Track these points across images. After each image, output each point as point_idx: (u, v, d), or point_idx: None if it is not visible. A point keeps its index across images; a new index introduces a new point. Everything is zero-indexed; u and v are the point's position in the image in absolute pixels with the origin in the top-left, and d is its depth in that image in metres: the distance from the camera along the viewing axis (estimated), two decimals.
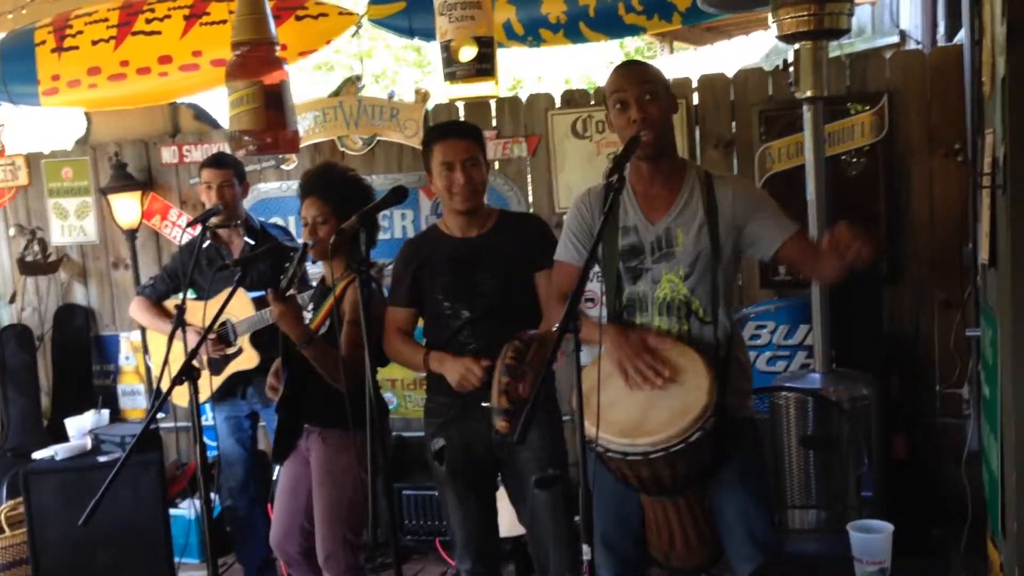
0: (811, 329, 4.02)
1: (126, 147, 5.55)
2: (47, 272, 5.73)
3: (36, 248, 5.73)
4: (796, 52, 3.62)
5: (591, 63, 13.50)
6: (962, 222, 4.15)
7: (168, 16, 4.90)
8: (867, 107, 4.23)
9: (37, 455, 4.48)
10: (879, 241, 2.54)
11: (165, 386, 2.92)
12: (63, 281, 5.77)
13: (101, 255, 5.71)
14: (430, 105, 4.98)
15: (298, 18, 4.77)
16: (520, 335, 2.90)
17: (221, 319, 3.20)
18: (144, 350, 4.74)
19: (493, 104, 4.89)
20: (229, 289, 3.23)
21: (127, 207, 5.34)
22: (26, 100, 5.35)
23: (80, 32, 5.06)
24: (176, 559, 4.27)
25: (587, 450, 2.29)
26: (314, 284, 3.92)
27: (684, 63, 9.21)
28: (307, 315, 3.50)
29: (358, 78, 5.14)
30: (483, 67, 3.54)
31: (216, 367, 4.21)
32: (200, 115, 5.62)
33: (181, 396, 3.15)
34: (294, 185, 5.05)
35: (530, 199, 4.89)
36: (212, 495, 4.17)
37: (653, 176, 2.71)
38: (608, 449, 2.47)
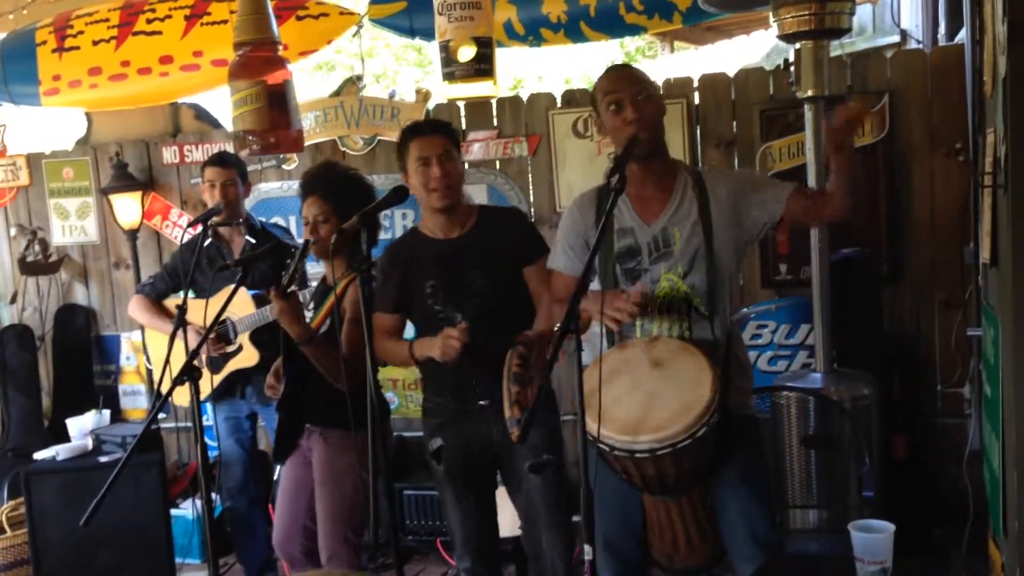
0: (812, 329, 4.02)
1: (127, 147, 5.55)
2: (48, 272, 5.73)
3: (37, 248, 5.72)
4: (797, 51, 3.62)
5: (592, 63, 13.48)
6: (963, 221, 4.15)
7: (169, 16, 4.90)
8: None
9: (38, 455, 4.48)
10: (866, 104, 2.56)
11: (166, 386, 2.91)
12: (64, 281, 5.76)
13: (102, 255, 5.71)
14: (431, 105, 4.98)
15: (299, 18, 4.77)
16: (521, 338, 2.89)
17: (221, 317, 3.20)
18: (143, 350, 4.74)
19: (494, 103, 4.89)
20: (229, 288, 3.23)
21: (128, 207, 5.34)
22: (27, 100, 5.35)
23: (81, 32, 5.06)
24: (177, 559, 4.28)
25: (588, 450, 2.29)
26: (314, 283, 3.92)
27: (685, 62, 9.21)
28: (308, 314, 3.50)
29: (359, 78, 5.14)
30: (482, 67, 3.53)
31: (215, 365, 4.21)
32: (201, 115, 5.62)
33: (182, 396, 3.14)
34: (295, 185, 5.04)
35: (531, 199, 4.89)
36: (213, 495, 4.20)
37: (646, 177, 2.72)
38: (614, 447, 2.47)
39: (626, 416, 2.48)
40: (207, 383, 3.99)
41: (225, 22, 4.69)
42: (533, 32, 4.73)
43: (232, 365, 4.23)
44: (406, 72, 14.99)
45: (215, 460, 4.37)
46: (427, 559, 4.69)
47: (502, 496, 3.33)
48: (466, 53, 3.49)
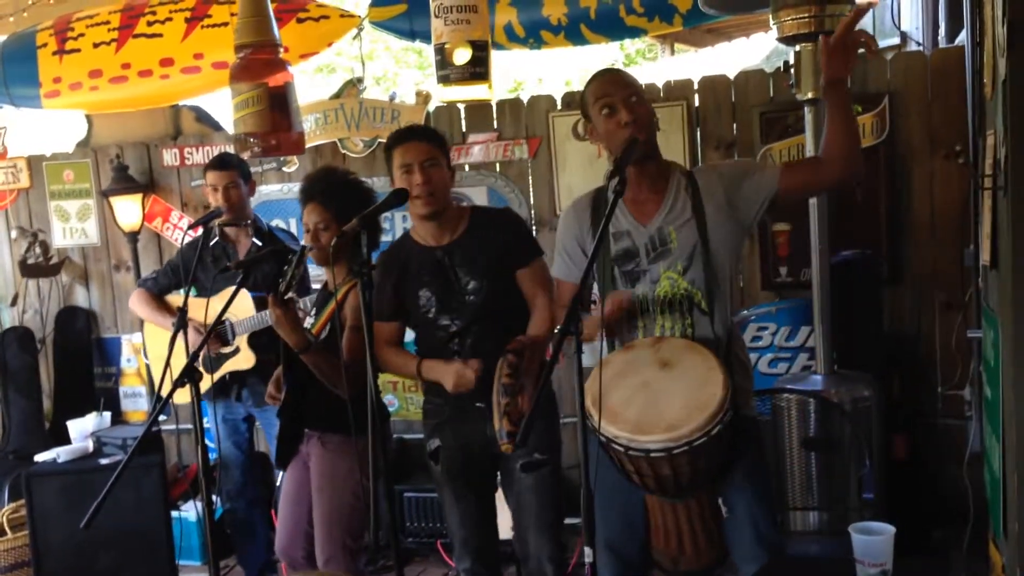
0: (812, 331, 4.02)
1: (127, 149, 5.55)
2: (48, 274, 5.74)
3: (38, 250, 5.73)
4: (797, 54, 3.62)
5: (592, 65, 13.48)
6: (963, 223, 4.15)
7: (169, 19, 4.90)
8: (868, 108, 4.23)
9: (39, 457, 4.49)
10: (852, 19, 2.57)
11: (166, 389, 2.91)
12: (64, 283, 5.77)
13: (102, 257, 5.72)
14: (431, 107, 4.98)
15: (299, 20, 4.77)
16: (512, 346, 2.89)
17: (222, 318, 3.20)
18: (143, 348, 4.74)
19: (494, 106, 4.90)
20: (230, 288, 3.22)
21: (128, 209, 5.34)
22: (28, 102, 5.36)
23: (81, 35, 5.07)
24: (178, 561, 4.27)
25: (588, 451, 2.29)
26: (315, 288, 3.91)
27: (685, 65, 9.22)
28: (309, 320, 3.50)
29: (359, 80, 5.15)
30: (477, 71, 3.54)
31: (211, 365, 4.20)
32: (201, 117, 5.62)
33: (182, 396, 3.15)
34: (295, 187, 5.03)
35: (531, 201, 4.89)
36: (214, 497, 4.20)
37: (640, 180, 2.72)
38: (629, 448, 2.46)
39: (638, 416, 2.47)
40: (205, 383, 3.99)
41: (226, 24, 4.69)
42: (533, 34, 4.74)
43: (228, 366, 4.23)
44: (406, 74, 14.99)
45: (215, 462, 4.37)
46: (427, 561, 4.69)
47: (502, 498, 3.33)
48: (461, 56, 3.50)
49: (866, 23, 6.17)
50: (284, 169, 5.25)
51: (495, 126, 4.91)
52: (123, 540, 4.15)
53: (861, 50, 2.58)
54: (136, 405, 5.68)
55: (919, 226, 4.30)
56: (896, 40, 5.84)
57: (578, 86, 2.96)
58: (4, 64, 5.26)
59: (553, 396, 3.28)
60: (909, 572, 2.31)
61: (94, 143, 5.73)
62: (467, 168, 4.96)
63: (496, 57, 4.24)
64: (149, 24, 4.93)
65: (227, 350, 4.22)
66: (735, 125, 4.55)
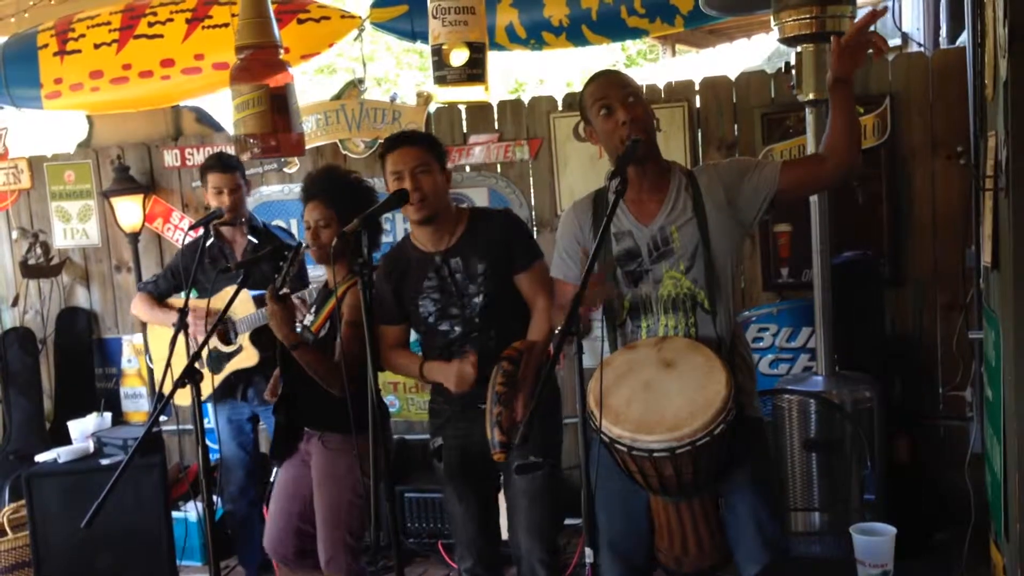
0: (813, 332, 4.02)
1: (128, 150, 5.55)
2: (49, 275, 5.74)
3: (38, 251, 5.73)
4: (798, 55, 3.62)
5: (593, 66, 13.48)
6: (964, 224, 4.15)
7: (170, 20, 4.91)
8: (869, 110, 4.23)
9: (40, 458, 4.48)
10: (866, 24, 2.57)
11: (167, 388, 2.92)
12: (65, 284, 5.77)
13: (103, 258, 5.72)
14: (432, 108, 4.98)
15: (300, 21, 4.77)
16: (508, 353, 2.89)
17: (223, 318, 3.21)
18: (145, 350, 4.74)
19: (495, 107, 4.90)
20: (231, 287, 3.23)
21: (129, 210, 5.35)
22: (29, 103, 5.36)
23: (82, 35, 5.07)
24: (178, 562, 4.27)
25: (590, 451, 2.29)
26: (311, 282, 3.92)
27: (686, 66, 9.22)
28: (309, 317, 3.51)
29: (360, 81, 5.15)
30: (474, 72, 3.53)
31: (215, 365, 4.21)
32: (202, 118, 5.62)
33: (183, 396, 3.15)
34: (296, 188, 5.04)
35: (532, 202, 4.89)
36: (215, 497, 4.20)
37: (641, 180, 2.71)
38: (632, 447, 2.46)
39: (641, 416, 2.47)
40: (207, 384, 4.00)
41: (226, 25, 4.70)
42: (535, 35, 4.73)
43: (232, 365, 4.23)
44: (407, 76, 14.99)
45: (216, 463, 4.37)
46: (428, 561, 4.69)
47: (502, 498, 3.33)
48: (458, 57, 3.50)
49: None
50: (285, 170, 5.25)
51: (496, 127, 4.91)
52: (124, 540, 4.14)
53: (870, 51, 2.58)
54: (137, 406, 5.68)
55: (920, 227, 4.30)
56: (897, 41, 5.85)
57: (579, 87, 2.94)
58: (5, 65, 5.27)
59: (557, 397, 3.26)
60: (910, 573, 2.31)
61: (95, 144, 5.74)
62: (468, 169, 4.97)
63: (497, 58, 4.25)
64: (150, 25, 4.94)
65: (230, 349, 4.23)
66: (736, 126, 4.54)
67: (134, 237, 5.41)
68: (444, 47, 3.52)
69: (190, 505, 4.95)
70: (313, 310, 3.55)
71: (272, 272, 3.89)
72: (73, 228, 5.73)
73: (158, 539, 4.21)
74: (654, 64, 12.63)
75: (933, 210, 4.28)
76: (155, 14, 4.94)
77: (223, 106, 4.42)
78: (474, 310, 3.09)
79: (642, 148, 2.59)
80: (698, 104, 4.59)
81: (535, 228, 4.83)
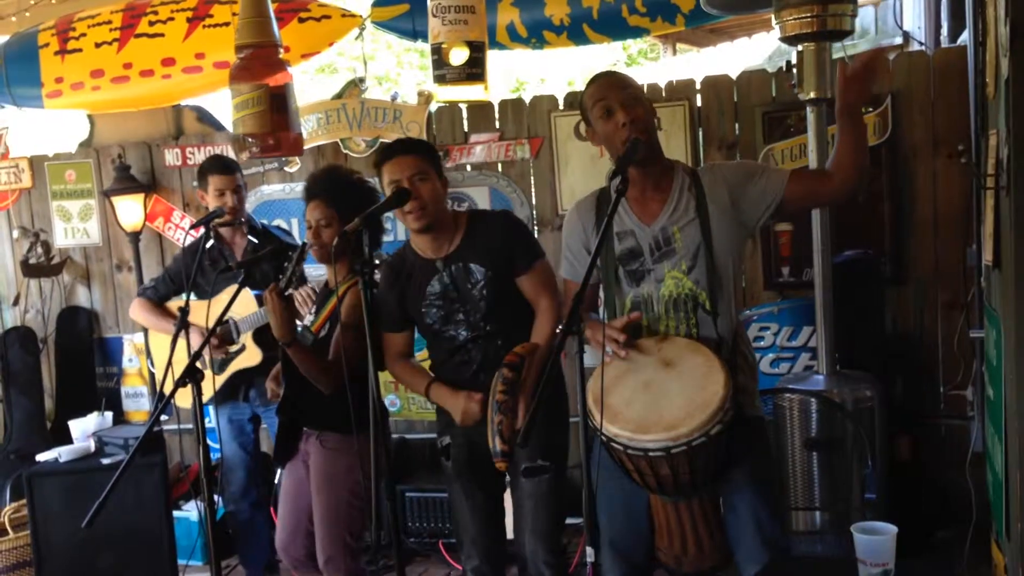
0: (814, 331, 4.02)
1: (129, 149, 5.55)
2: (50, 274, 5.74)
3: (39, 250, 5.74)
4: (799, 54, 3.62)
5: (594, 65, 13.47)
6: (966, 223, 4.15)
7: (171, 19, 4.91)
8: (871, 108, 4.23)
9: (41, 457, 4.48)
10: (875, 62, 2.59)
11: (168, 388, 2.92)
12: (66, 283, 5.77)
13: (104, 257, 5.72)
14: (433, 107, 4.98)
15: (301, 20, 4.77)
16: (509, 359, 2.89)
17: (224, 318, 3.21)
18: (147, 353, 4.74)
19: (496, 106, 4.89)
20: (231, 288, 3.22)
21: (130, 209, 5.35)
22: (30, 103, 5.36)
23: (83, 35, 5.07)
24: (179, 561, 4.27)
25: (590, 452, 2.29)
26: (310, 280, 3.92)
27: (687, 65, 9.20)
28: (309, 317, 3.51)
29: (361, 80, 5.14)
30: (474, 71, 3.53)
31: (219, 365, 4.21)
32: (203, 117, 5.62)
33: (184, 398, 3.15)
34: (297, 187, 5.06)
35: (533, 201, 4.89)
36: (216, 497, 4.20)
37: (644, 180, 2.72)
38: (628, 447, 2.47)
39: (639, 416, 2.48)
40: (210, 385, 4.00)
41: (227, 24, 4.69)
42: (536, 34, 4.73)
43: (235, 365, 4.24)
44: (408, 75, 14.98)
45: (217, 462, 4.37)
46: (429, 560, 4.69)
47: (508, 498, 3.33)
48: (458, 56, 3.50)
49: (868, 23, 6.18)
50: (286, 169, 5.25)
51: (497, 126, 4.91)
52: (125, 540, 4.14)
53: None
54: (138, 405, 5.68)
55: (921, 226, 4.29)
56: (898, 40, 5.84)
57: (580, 86, 2.94)
58: (6, 64, 5.27)
59: (564, 400, 3.24)
60: (911, 572, 2.31)
61: (96, 143, 5.74)
62: (469, 168, 4.96)
63: (498, 57, 4.24)
64: (151, 24, 4.93)
65: (233, 348, 4.23)
66: (737, 125, 4.54)
67: (135, 236, 5.41)
68: (444, 46, 3.52)
69: (191, 504, 4.95)
70: (313, 310, 3.55)
71: (273, 272, 3.90)
72: (74, 227, 5.73)
73: (159, 538, 4.21)
74: (655, 63, 12.63)
75: (934, 209, 4.28)
76: (156, 13, 4.94)
77: (224, 105, 4.42)
78: (479, 314, 3.09)
79: (642, 148, 2.59)
80: (699, 103, 4.59)
81: (536, 227, 4.83)
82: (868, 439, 3.67)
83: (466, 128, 4.97)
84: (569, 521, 3.26)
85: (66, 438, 4.69)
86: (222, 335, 4.18)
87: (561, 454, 3.21)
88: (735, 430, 2.56)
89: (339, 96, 5.13)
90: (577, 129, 4.70)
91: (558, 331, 2.23)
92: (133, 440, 4.36)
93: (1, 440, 5.65)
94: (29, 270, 5.75)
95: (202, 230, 4.13)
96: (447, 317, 3.13)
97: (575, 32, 4.68)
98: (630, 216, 2.73)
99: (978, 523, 3.72)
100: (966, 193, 4.16)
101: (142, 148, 5.55)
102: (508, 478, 3.30)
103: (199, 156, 5.34)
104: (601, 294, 2.82)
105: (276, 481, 4.34)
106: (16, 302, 5.87)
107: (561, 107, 4.79)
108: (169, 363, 3.53)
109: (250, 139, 3.76)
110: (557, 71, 13.85)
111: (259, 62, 3.76)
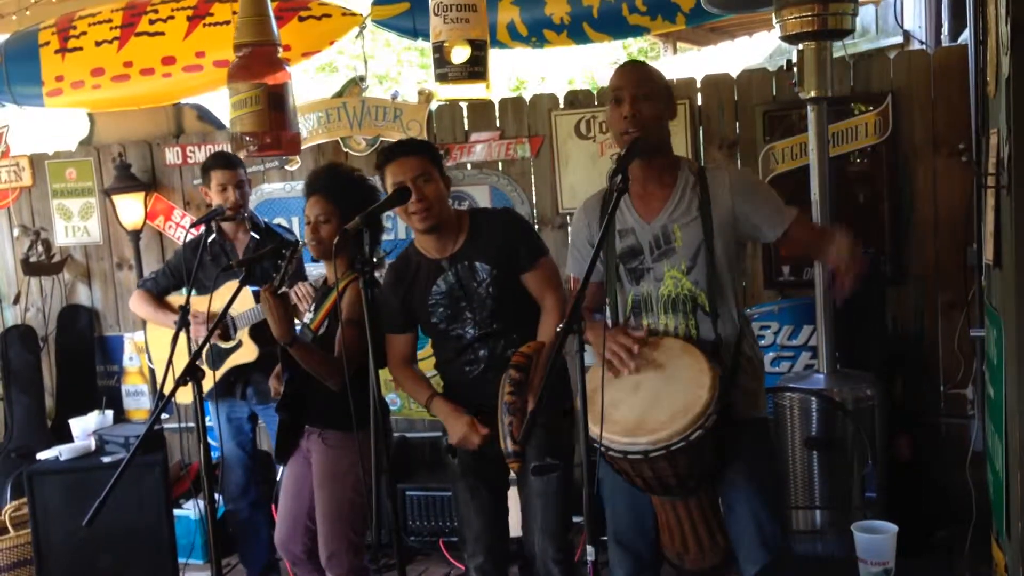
0: (815, 330, 4.02)
1: (130, 148, 5.55)
2: (51, 273, 5.74)
3: (40, 249, 5.74)
4: (800, 52, 3.62)
5: (595, 64, 13.49)
6: (966, 222, 4.14)
7: (171, 17, 4.90)
8: (871, 107, 4.23)
9: (41, 455, 4.49)
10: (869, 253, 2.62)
11: (168, 387, 2.92)
12: (67, 282, 5.77)
13: (105, 256, 5.72)
14: (434, 106, 4.98)
15: (301, 19, 4.77)
16: (516, 360, 2.89)
17: (224, 317, 3.21)
18: (145, 349, 4.74)
19: (496, 104, 4.89)
20: (231, 284, 3.22)
21: (131, 208, 5.35)
22: (30, 101, 5.36)
23: (84, 33, 5.07)
24: (180, 560, 4.28)
25: (591, 451, 2.29)
26: (309, 275, 3.91)
27: (687, 64, 9.20)
28: (308, 315, 3.51)
29: (361, 79, 5.14)
30: (475, 70, 3.53)
31: (215, 361, 4.21)
32: (204, 116, 5.62)
33: (185, 394, 3.15)
34: (298, 186, 5.05)
35: (533, 200, 4.89)
36: (216, 495, 4.20)
37: (647, 176, 2.72)
38: (610, 448, 2.48)
39: (625, 418, 2.49)
40: (208, 381, 4.00)
41: (228, 23, 4.69)
42: (536, 33, 4.73)
43: (231, 361, 4.23)
44: (409, 73, 14.98)
45: (217, 460, 4.37)
46: (429, 559, 4.69)
47: (512, 497, 3.33)
48: (460, 54, 3.49)
49: (869, 22, 6.18)
50: (287, 167, 5.25)
51: (497, 124, 4.91)
52: (125, 538, 4.15)
53: None
54: (138, 403, 5.68)
55: (922, 225, 4.29)
56: (899, 39, 5.85)
57: (581, 85, 2.94)
58: (6, 63, 5.27)
59: (570, 397, 3.23)
60: (912, 572, 2.31)
61: (96, 141, 5.74)
62: (469, 167, 4.96)
63: (498, 55, 4.24)
64: (151, 22, 4.93)
65: (229, 344, 4.23)
66: (738, 124, 4.54)
67: (135, 235, 5.41)
68: (445, 45, 3.51)
69: (191, 503, 4.95)
70: (312, 307, 3.55)
71: (273, 269, 3.91)
72: (74, 226, 5.73)
73: (159, 537, 4.21)
74: (655, 62, 12.63)
75: (935, 208, 4.27)
76: (156, 11, 4.94)
77: (224, 103, 4.43)
78: (486, 312, 3.09)
79: (642, 147, 2.59)
80: (700, 102, 4.59)
81: (537, 226, 4.82)
82: (868, 438, 3.67)
83: (466, 127, 4.96)
84: (575, 518, 3.26)
85: (67, 436, 4.70)
86: (220, 330, 4.18)
87: (568, 451, 3.21)
88: (734, 431, 2.56)
89: (339, 95, 5.13)
90: (577, 128, 4.70)
91: (558, 330, 2.22)
92: (134, 438, 4.36)
93: (2, 438, 5.65)
94: (30, 268, 5.75)
95: (203, 228, 4.13)
96: (454, 316, 3.13)
97: (575, 31, 4.67)
98: (631, 213, 2.73)
99: (978, 522, 3.72)
100: (967, 192, 4.16)
101: (143, 147, 5.55)
102: (513, 476, 3.30)
103: (200, 155, 5.34)
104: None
105: (277, 479, 4.34)
106: (17, 300, 5.87)
107: (561, 106, 4.79)
108: (169, 361, 3.53)
109: (247, 138, 3.76)
110: (557, 70, 13.86)
111: (257, 61, 3.76)
